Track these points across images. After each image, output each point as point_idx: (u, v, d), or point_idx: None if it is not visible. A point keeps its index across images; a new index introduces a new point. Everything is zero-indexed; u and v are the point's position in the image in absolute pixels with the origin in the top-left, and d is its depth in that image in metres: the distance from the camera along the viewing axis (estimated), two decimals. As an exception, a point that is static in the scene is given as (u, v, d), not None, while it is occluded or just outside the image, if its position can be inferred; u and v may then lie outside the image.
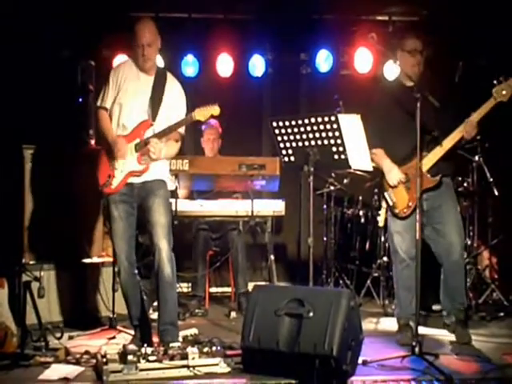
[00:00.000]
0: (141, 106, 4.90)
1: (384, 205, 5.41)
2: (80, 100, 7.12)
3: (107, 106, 4.96)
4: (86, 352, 4.62)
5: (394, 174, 5.23)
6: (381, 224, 5.73)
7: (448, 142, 5.06)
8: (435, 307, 6.24)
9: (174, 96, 5.00)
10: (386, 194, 5.34)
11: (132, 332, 5.15)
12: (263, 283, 6.91)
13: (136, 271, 5.01)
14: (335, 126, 4.66)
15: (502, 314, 6.21)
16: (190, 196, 6.69)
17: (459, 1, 7.19)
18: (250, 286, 6.28)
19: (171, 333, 4.83)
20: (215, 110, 4.89)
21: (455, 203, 5.35)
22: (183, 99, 5.05)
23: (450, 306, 5.32)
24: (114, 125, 4.94)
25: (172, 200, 5.78)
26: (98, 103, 5.01)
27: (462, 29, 7.29)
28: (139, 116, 4.90)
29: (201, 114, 4.86)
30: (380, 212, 5.54)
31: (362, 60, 7.80)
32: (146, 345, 4.43)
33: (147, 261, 5.48)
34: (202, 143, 7.08)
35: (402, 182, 5.21)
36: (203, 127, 6.98)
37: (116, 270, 5.10)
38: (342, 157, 4.74)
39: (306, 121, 4.74)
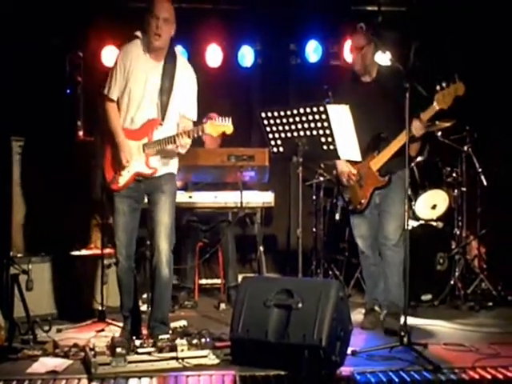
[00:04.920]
0: (150, 100, 4.79)
1: (341, 200, 5.67)
2: (68, 91, 7.09)
3: (114, 98, 4.84)
4: (75, 345, 4.62)
5: (345, 174, 5.41)
6: (337, 217, 5.85)
7: (395, 145, 5.14)
8: (424, 297, 6.27)
9: (184, 85, 4.88)
10: (341, 189, 5.55)
11: (121, 324, 5.13)
12: (252, 275, 6.91)
13: (134, 265, 4.99)
14: (324, 116, 4.63)
15: (490, 303, 6.23)
16: (184, 187, 6.67)
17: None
18: (240, 277, 6.27)
19: (161, 329, 4.82)
20: (228, 127, 4.76)
21: (401, 195, 5.15)
22: (194, 87, 4.94)
23: (384, 299, 5.40)
24: (122, 116, 4.84)
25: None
26: (105, 91, 4.86)
27: (451, 19, 7.28)
28: (148, 111, 4.80)
29: (212, 128, 4.72)
30: (336, 207, 5.68)
31: (352, 50, 7.77)
32: (134, 337, 4.42)
33: (137, 253, 5.46)
34: (202, 136, 7.00)
35: (354, 180, 5.37)
36: (204, 120, 6.91)
37: (115, 261, 5.04)
38: (331, 147, 4.72)
39: (295, 111, 4.71)
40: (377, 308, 5.47)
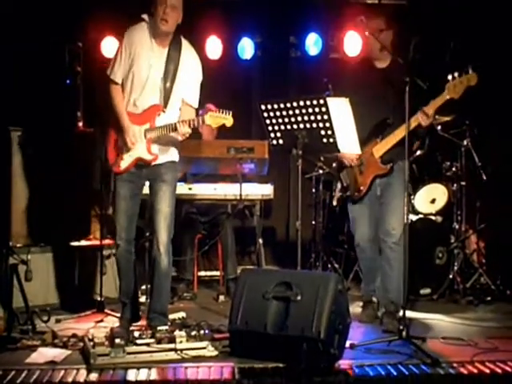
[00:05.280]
0: (153, 86, 4.81)
1: (339, 185, 5.49)
2: (68, 82, 7.07)
3: (117, 81, 4.85)
4: (74, 335, 4.62)
5: (347, 156, 5.30)
6: (334, 203, 5.76)
7: (400, 132, 5.02)
8: (423, 291, 6.27)
9: (188, 71, 4.89)
10: (341, 174, 5.43)
11: (119, 315, 5.13)
12: (252, 267, 6.91)
13: (133, 250, 5.00)
14: (324, 109, 4.63)
15: (489, 298, 6.23)
16: (183, 179, 6.66)
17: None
18: (239, 269, 6.28)
19: (161, 320, 4.84)
20: (228, 120, 4.75)
21: (402, 188, 5.04)
22: (197, 75, 4.95)
23: (382, 297, 5.33)
24: (125, 98, 4.86)
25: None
26: (108, 72, 4.87)
27: (450, 13, 7.27)
28: (151, 96, 4.82)
29: (213, 119, 4.71)
30: (334, 192, 5.60)
31: (352, 43, 7.76)
32: (132, 327, 4.43)
33: (138, 244, 5.46)
34: (199, 127, 6.97)
35: (355, 164, 5.27)
36: (200, 112, 6.90)
37: (115, 245, 5.03)
38: (331, 140, 4.71)
39: (295, 104, 4.70)
40: (374, 299, 5.43)
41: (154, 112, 4.82)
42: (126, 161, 4.86)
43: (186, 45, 4.95)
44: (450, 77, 4.87)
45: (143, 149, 4.83)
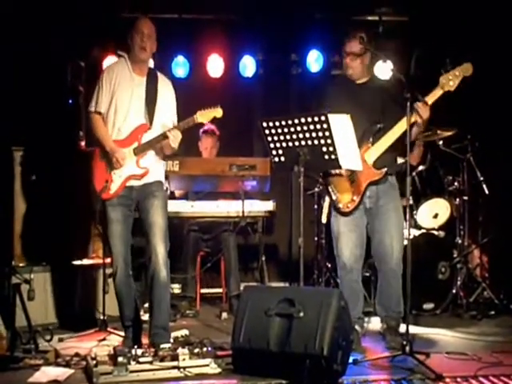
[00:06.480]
0: (137, 110, 4.91)
1: (327, 199, 5.30)
2: (70, 101, 7.10)
3: (102, 111, 4.95)
4: (76, 354, 4.61)
5: None
6: (323, 220, 5.58)
7: (394, 132, 4.87)
8: (426, 306, 6.26)
9: (167, 96, 5.03)
10: (329, 187, 5.17)
11: (122, 333, 5.13)
12: (254, 284, 6.90)
13: (131, 273, 5.02)
14: (325, 125, 4.62)
15: (492, 312, 6.21)
16: (185, 197, 6.69)
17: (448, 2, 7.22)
18: (242, 286, 6.26)
19: (163, 336, 4.83)
20: (218, 112, 4.92)
21: (398, 205, 5.08)
22: (174, 97, 5.09)
23: (383, 313, 5.21)
24: (109, 129, 4.94)
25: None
26: (92, 108, 4.99)
27: (451, 29, 7.30)
28: (135, 120, 4.91)
29: (203, 116, 4.88)
30: (323, 206, 5.43)
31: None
32: (136, 346, 4.42)
33: (137, 263, 5.46)
34: (199, 147, 7.02)
35: (345, 172, 5.03)
36: (200, 132, 6.95)
37: (112, 271, 5.05)
38: (333, 157, 4.71)
39: (296, 121, 4.70)
40: (357, 327, 5.10)
41: (142, 131, 4.91)
42: (116, 183, 4.90)
43: (160, 75, 5.10)
44: (442, 70, 4.77)
45: (132, 165, 4.89)
